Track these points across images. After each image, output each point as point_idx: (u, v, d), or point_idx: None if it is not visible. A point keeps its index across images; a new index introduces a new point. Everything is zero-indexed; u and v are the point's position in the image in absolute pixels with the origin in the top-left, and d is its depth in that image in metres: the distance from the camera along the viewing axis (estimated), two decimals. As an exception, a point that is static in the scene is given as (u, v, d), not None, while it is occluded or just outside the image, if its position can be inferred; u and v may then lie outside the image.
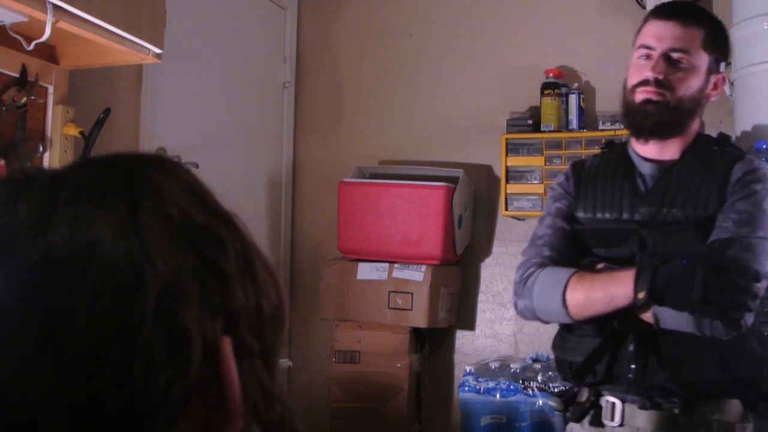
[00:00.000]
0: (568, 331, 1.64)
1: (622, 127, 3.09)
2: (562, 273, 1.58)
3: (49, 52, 2.17)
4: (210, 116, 3.13)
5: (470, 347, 3.34)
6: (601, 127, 3.15)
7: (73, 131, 2.15)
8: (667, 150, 1.65)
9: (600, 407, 1.60)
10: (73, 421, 0.38)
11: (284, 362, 2.59)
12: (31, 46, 1.98)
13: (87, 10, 1.89)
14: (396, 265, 3.06)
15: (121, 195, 0.43)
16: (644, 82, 1.60)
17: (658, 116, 1.59)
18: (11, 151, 2.00)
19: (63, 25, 1.87)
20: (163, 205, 0.44)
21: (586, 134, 3.13)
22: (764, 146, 2.64)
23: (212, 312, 0.44)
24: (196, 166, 2.70)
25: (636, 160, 1.68)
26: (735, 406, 1.54)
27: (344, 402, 3.07)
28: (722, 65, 1.65)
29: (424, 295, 2.99)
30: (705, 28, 1.61)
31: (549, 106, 3.15)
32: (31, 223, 0.41)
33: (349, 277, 3.12)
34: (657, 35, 1.61)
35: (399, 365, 3.03)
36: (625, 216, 1.63)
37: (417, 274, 3.03)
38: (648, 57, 1.62)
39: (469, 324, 3.37)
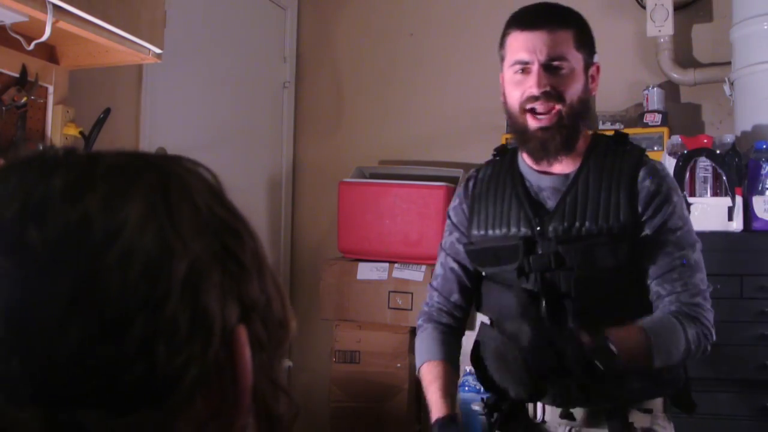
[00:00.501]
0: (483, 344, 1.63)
1: (623, 127, 3.10)
2: (423, 352, 1.67)
3: (49, 52, 2.17)
4: (210, 116, 3.13)
5: (470, 347, 3.34)
6: (601, 126, 3.15)
7: (73, 131, 2.15)
8: (566, 162, 1.58)
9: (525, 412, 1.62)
10: (95, 385, 0.38)
11: (284, 362, 2.59)
12: (31, 46, 1.98)
13: (87, 10, 1.88)
14: (396, 265, 3.06)
15: (153, 176, 0.45)
16: (532, 98, 1.51)
17: (559, 140, 1.52)
18: (11, 151, 2.00)
19: (63, 25, 1.87)
20: (189, 192, 0.46)
21: (586, 134, 3.13)
22: (764, 146, 2.64)
23: (231, 298, 0.45)
24: (196, 166, 2.70)
25: (531, 175, 1.61)
26: (657, 402, 1.59)
27: (344, 402, 3.07)
28: (594, 56, 1.62)
29: (424, 295, 2.99)
30: (573, 28, 1.56)
31: (549, 106, 3.15)
32: (68, 191, 0.42)
33: (349, 277, 3.12)
34: (529, 48, 1.51)
35: (399, 365, 3.03)
36: (513, 231, 1.59)
37: (417, 274, 3.03)
38: (525, 71, 1.52)
39: (470, 324, 3.36)
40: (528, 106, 1.52)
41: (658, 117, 3.02)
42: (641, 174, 1.55)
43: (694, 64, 3.14)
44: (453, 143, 3.43)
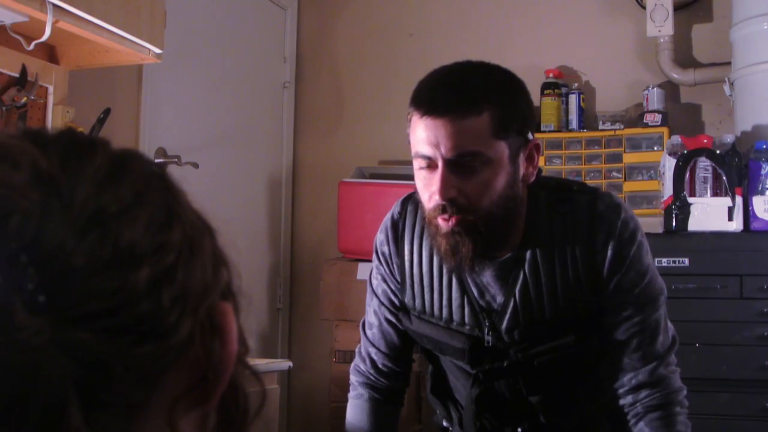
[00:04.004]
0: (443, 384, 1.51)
1: (623, 127, 3.11)
2: (352, 427, 1.51)
3: (49, 52, 2.17)
4: (210, 116, 3.13)
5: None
6: (601, 127, 3.15)
7: (73, 131, 2.15)
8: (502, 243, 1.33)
9: None
10: (104, 308, 0.40)
11: (284, 362, 2.59)
12: (31, 46, 1.98)
13: (87, 10, 1.89)
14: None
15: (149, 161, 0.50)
16: (438, 208, 1.24)
17: (472, 247, 1.25)
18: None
19: (63, 25, 1.87)
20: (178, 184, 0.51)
21: (586, 134, 3.13)
22: (764, 146, 2.64)
23: (218, 271, 0.49)
24: (196, 166, 2.70)
25: None
26: None
27: (344, 402, 3.05)
28: (529, 134, 1.28)
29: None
30: (489, 109, 1.22)
31: (549, 106, 3.15)
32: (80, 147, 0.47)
33: (349, 277, 3.11)
34: (432, 141, 1.22)
35: (399, 365, 3.03)
36: (456, 321, 1.35)
37: (417, 274, 3.03)
38: (430, 167, 1.24)
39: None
40: (438, 217, 1.25)
41: (658, 117, 3.02)
42: (599, 239, 1.30)
43: (694, 64, 3.14)
44: (453, 143, 3.43)
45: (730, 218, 2.58)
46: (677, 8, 3.07)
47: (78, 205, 0.42)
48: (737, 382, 2.47)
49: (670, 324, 1.40)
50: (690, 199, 2.62)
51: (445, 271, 1.36)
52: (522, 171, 1.28)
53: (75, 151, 0.45)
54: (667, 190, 2.66)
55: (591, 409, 1.43)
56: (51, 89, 2.14)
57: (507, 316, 1.32)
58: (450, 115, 1.21)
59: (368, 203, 3.12)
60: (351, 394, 1.55)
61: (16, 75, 2.03)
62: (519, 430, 1.39)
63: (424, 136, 1.24)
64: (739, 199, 2.58)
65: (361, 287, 3.16)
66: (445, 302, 1.36)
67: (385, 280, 1.49)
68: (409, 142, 1.31)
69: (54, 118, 2.13)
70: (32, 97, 2.06)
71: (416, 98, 1.29)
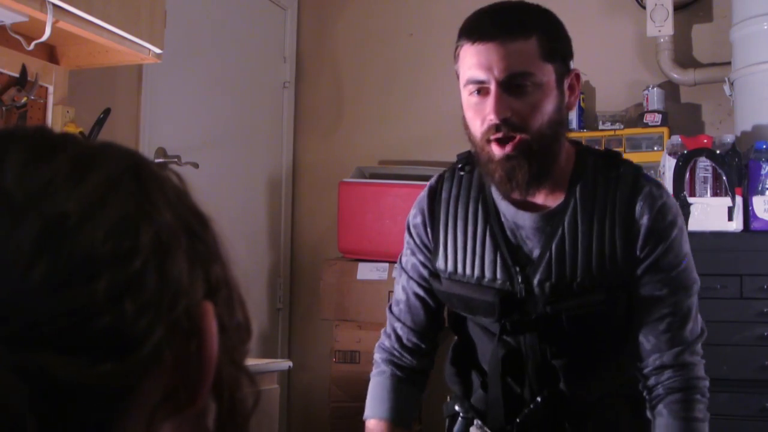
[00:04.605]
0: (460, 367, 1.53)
1: (623, 127, 3.11)
2: (372, 404, 1.52)
3: (49, 52, 2.17)
4: (210, 116, 3.13)
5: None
6: (601, 126, 3.15)
7: (73, 131, 2.15)
8: (545, 190, 1.36)
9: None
10: (61, 329, 0.38)
11: (284, 362, 2.59)
12: (31, 46, 1.99)
13: (87, 10, 1.89)
14: (396, 265, 3.06)
15: (123, 155, 0.47)
16: (492, 129, 1.27)
17: (528, 169, 1.28)
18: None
19: (63, 25, 1.87)
20: (158, 175, 0.48)
21: (586, 134, 3.13)
22: (764, 146, 2.64)
23: (197, 271, 0.46)
24: (196, 166, 2.70)
25: (506, 208, 1.38)
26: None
27: (344, 402, 3.07)
28: (570, 63, 1.35)
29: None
30: (537, 34, 1.27)
31: (549, 106, 3.15)
32: (37, 153, 0.44)
33: (349, 277, 3.11)
34: (484, 64, 1.26)
35: (399, 365, 3.03)
36: (488, 277, 1.37)
37: (417, 274, 3.03)
38: (482, 93, 1.28)
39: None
40: (491, 137, 1.28)
41: (658, 117, 3.02)
42: (638, 208, 1.34)
43: (694, 64, 3.14)
44: (453, 143, 3.41)
45: (730, 218, 2.58)
46: (677, 8, 3.07)
47: (31, 215, 0.39)
48: (737, 382, 2.47)
49: (700, 316, 1.41)
50: (690, 199, 2.62)
51: (479, 228, 1.39)
52: (566, 99, 1.34)
53: (36, 153, 0.43)
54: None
55: (612, 386, 1.43)
56: (51, 89, 2.14)
57: (541, 268, 1.34)
58: (500, 38, 1.26)
59: (368, 203, 3.12)
60: (373, 373, 1.55)
61: (16, 75, 2.03)
62: (538, 399, 1.38)
63: (476, 61, 1.28)
64: (739, 199, 2.58)
65: (361, 287, 3.17)
66: (477, 260, 1.38)
67: (414, 254, 1.50)
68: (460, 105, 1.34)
69: (54, 118, 2.13)
70: (32, 97, 2.06)
71: (465, 30, 1.32)
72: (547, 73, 1.28)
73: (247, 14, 3.43)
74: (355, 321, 3.08)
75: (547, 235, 1.35)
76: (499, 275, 1.37)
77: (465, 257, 1.40)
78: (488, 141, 1.29)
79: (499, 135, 1.27)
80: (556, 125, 1.31)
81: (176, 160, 2.72)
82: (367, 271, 3.10)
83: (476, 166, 1.41)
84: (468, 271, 1.39)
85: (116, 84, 2.63)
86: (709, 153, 2.64)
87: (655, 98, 3.05)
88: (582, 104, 3.16)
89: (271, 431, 2.34)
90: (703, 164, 2.66)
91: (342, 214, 3.17)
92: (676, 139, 2.73)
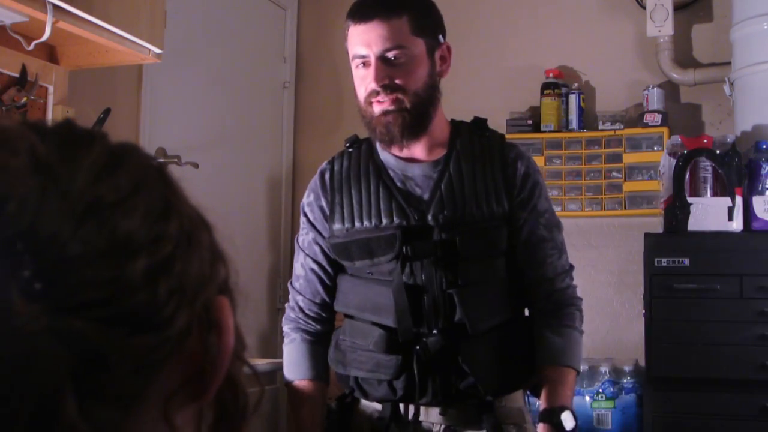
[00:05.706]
0: (343, 342, 1.62)
1: (623, 127, 3.11)
2: (291, 369, 1.65)
3: (49, 52, 2.17)
4: (210, 116, 3.13)
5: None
6: (601, 127, 3.16)
7: (73, 131, 2.15)
8: (426, 146, 1.58)
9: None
10: (99, 298, 0.40)
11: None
12: (31, 46, 1.99)
13: (87, 10, 1.89)
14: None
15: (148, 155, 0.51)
16: (373, 93, 1.52)
17: (402, 122, 1.52)
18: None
19: (63, 25, 1.88)
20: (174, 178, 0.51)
21: (586, 134, 3.13)
22: (764, 146, 2.64)
23: (214, 266, 0.48)
24: (196, 166, 2.70)
25: (395, 164, 1.59)
26: (519, 394, 1.63)
27: (344, 402, 3.06)
28: (440, 37, 1.59)
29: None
30: (407, 13, 1.51)
31: (549, 106, 3.16)
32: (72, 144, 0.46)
33: (349, 277, 3.11)
34: (364, 41, 1.51)
35: (399, 365, 3.03)
36: (385, 222, 1.54)
37: (417, 274, 3.03)
38: (365, 65, 1.52)
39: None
40: (372, 100, 1.53)
41: (658, 117, 3.02)
42: (511, 155, 1.59)
43: (694, 64, 3.15)
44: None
45: (730, 218, 2.58)
46: (677, 8, 3.07)
47: (75, 193, 0.42)
48: (737, 382, 2.47)
49: None
50: (690, 199, 2.62)
51: (372, 184, 1.58)
52: (438, 67, 1.58)
53: (73, 140, 0.45)
54: (667, 190, 2.66)
55: (504, 315, 1.58)
56: (51, 89, 2.14)
57: (433, 204, 1.54)
58: (377, 18, 1.50)
59: (368, 203, 3.12)
60: (285, 342, 1.69)
61: (16, 75, 2.04)
62: (435, 331, 1.51)
63: (359, 39, 1.52)
64: (739, 199, 2.58)
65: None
66: (374, 210, 1.56)
67: (308, 232, 1.66)
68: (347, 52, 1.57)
69: (54, 118, 2.13)
70: (32, 97, 2.06)
71: (350, 13, 1.56)
72: (419, 46, 1.53)
73: (247, 14, 3.43)
74: (355, 321, 3.08)
75: (435, 180, 1.56)
76: (395, 218, 1.54)
77: (362, 211, 1.57)
78: (370, 103, 1.53)
79: (379, 98, 1.52)
80: (429, 88, 1.55)
81: (176, 160, 2.72)
82: (367, 271, 3.10)
83: (363, 142, 1.66)
84: (366, 222, 1.56)
85: (116, 84, 2.63)
86: (709, 153, 2.64)
87: (655, 98, 3.05)
88: (582, 104, 3.16)
89: (271, 431, 2.35)
90: (703, 164, 2.66)
91: (342, 214, 3.17)
92: (676, 139, 2.73)
